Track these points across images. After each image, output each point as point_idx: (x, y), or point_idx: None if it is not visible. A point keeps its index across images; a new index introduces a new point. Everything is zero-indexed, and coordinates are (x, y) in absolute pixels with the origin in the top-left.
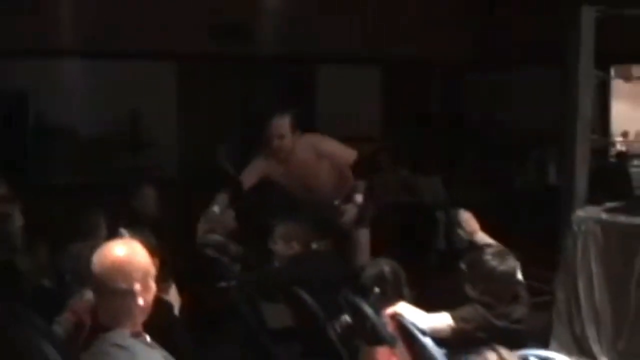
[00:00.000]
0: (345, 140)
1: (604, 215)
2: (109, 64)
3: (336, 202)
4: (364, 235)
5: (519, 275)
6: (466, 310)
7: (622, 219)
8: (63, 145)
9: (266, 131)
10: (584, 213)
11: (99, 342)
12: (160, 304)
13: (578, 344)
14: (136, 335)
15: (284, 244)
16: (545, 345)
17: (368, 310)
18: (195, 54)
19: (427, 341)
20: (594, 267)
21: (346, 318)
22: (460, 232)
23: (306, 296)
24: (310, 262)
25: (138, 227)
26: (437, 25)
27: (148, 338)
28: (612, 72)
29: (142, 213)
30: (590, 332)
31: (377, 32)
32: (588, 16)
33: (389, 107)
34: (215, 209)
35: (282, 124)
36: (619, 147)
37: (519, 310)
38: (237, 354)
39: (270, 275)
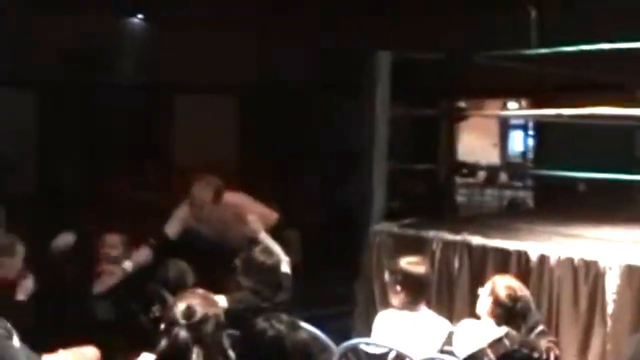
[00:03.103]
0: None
1: (395, 229)
2: None
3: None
4: None
5: (284, 269)
6: (239, 295)
7: (410, 232)
8: None
9: (190, 195)
10: (380, 227)
11: None
12: None
13: None
14: None
15: (110, 248)
16: None
17: (169, 297)
18: (53, 81)
19: None
20: (387, 275)
21: (157, 307)
22: (246, 230)
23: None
24: None
25: None
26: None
27: None
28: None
29: None
30: None
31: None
32: (384, 59)
33: (243, 134)
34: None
35: (205, 196)
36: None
37: (282, 296)
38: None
39: None
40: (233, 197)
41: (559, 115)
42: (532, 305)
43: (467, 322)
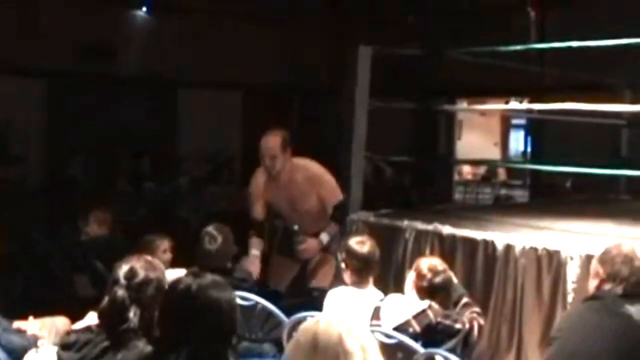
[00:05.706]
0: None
1: (371, 218)
2: None
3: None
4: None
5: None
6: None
7: (385, 221)
8: None
9: (260, 150)
10: (356, 216)
11: None
12: None
13: None
14: None
15: (97, 226)
16: None
17: None
18: (65, 71)
19: None
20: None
21: None
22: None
23: (101, 267)
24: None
25: None
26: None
27: None
28: (464, 104)
29: None
30: None
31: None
32: (364, 54)
33: (246, 128)
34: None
35: (273, 145)
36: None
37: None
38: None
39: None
40: (303, 161)
41: (530, 110)
42: (455, 280)
43: (392, 297)
